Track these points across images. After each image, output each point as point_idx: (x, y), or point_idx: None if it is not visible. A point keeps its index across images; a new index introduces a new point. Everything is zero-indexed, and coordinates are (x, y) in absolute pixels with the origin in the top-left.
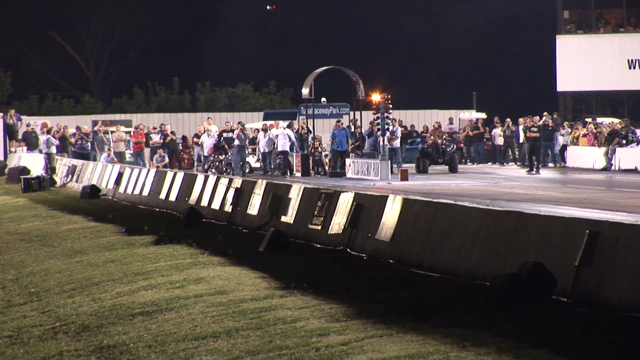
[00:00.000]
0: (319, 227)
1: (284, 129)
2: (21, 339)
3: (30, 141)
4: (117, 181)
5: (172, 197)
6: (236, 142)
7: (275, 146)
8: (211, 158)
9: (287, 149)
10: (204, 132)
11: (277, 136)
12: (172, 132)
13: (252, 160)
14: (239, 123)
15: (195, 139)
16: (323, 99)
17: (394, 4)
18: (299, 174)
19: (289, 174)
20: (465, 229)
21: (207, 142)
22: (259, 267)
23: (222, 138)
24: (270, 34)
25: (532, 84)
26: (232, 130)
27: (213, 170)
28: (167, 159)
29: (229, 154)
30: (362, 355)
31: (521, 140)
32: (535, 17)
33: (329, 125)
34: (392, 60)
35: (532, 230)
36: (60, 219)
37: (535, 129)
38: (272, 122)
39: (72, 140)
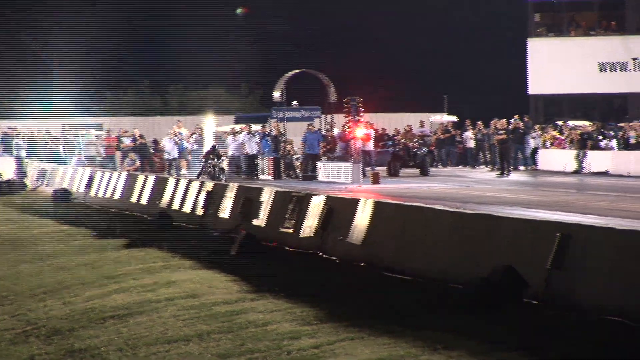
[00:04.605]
0: (291, 231)
1: (248, 132)
2: None
3: (7, 144)
4: (89, 185)
5: (144, 201)
6: (195, 146)
7: (245, 149)
8: (202, 163)
9: (254, 151)
10: (167, 135)
11: (247, 139)
12: (141, 136)
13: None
14: (197, 126)
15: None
16: (294, 102)
17: (364, 8)
18: (270, 177)
19: (255, 176)
20: (437, 232)
21: (169, 145)
22: (230, 270)
23: (216, 146)
24: (242, 37)
25: (503, 87)
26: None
27: (205, 176)
28: (138, 162)
29: (222, 158)
30: (334, 358)
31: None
32: (506, 20)
33: (300, 128)
34: (363, 63)
35: (503, 234)
36: (31, 223)
37: (503, 132)
38: (244, 125)
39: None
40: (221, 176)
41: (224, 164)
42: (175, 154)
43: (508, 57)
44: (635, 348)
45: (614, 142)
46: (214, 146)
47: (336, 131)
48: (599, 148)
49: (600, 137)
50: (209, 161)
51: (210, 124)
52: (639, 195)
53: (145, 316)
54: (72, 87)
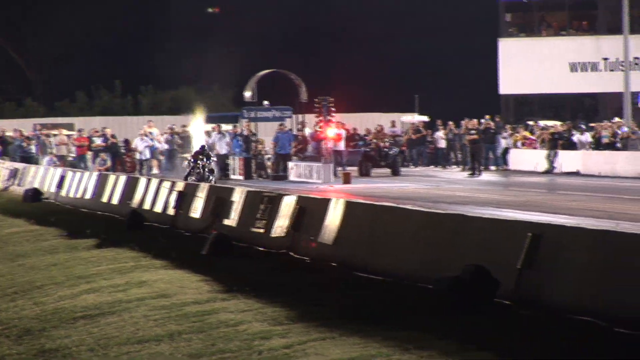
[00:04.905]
0: (262, 230)
1: (219, 132)
2: None
3: None
4: (60, 184)
5: (115, 201)
6: (166, 146)
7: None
8: (191, 164)
9: (224, 151)
10: (138, 135)
11: (217, 139)
12: (113, 136)
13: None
14: (169, 127)
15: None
16: (265, 102)
17: (335, 8)
18: (241, 177)
19: (224, 177)
20: (407, 232)
21: (141, 145)
22: (201, 270)
23: (206, 145)
24: (213, 37)
25: (474, 87)
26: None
27: (193, 177)
28: (109, 162)
29: (212, 159)
30: (305, 358)
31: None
32: (477, 20)
33: (271, 128)
34: (334, 63)
35: (474, 233)
36: (2, 223)
37: (474, 132)
38: (214, 125)
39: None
40: (210, 177)
41: (214, 165)
42: (147, 154)
43: (479, 57)
44: (606, 348)
45: (587, 136)
46: (202, 146)
47: (308, 131)
48: (572, 145)
49: (573, 132)
50: (198, 162)
51: (199, 124)
52: (609, 195)
53: (116, 316)
54: (43, 87)
